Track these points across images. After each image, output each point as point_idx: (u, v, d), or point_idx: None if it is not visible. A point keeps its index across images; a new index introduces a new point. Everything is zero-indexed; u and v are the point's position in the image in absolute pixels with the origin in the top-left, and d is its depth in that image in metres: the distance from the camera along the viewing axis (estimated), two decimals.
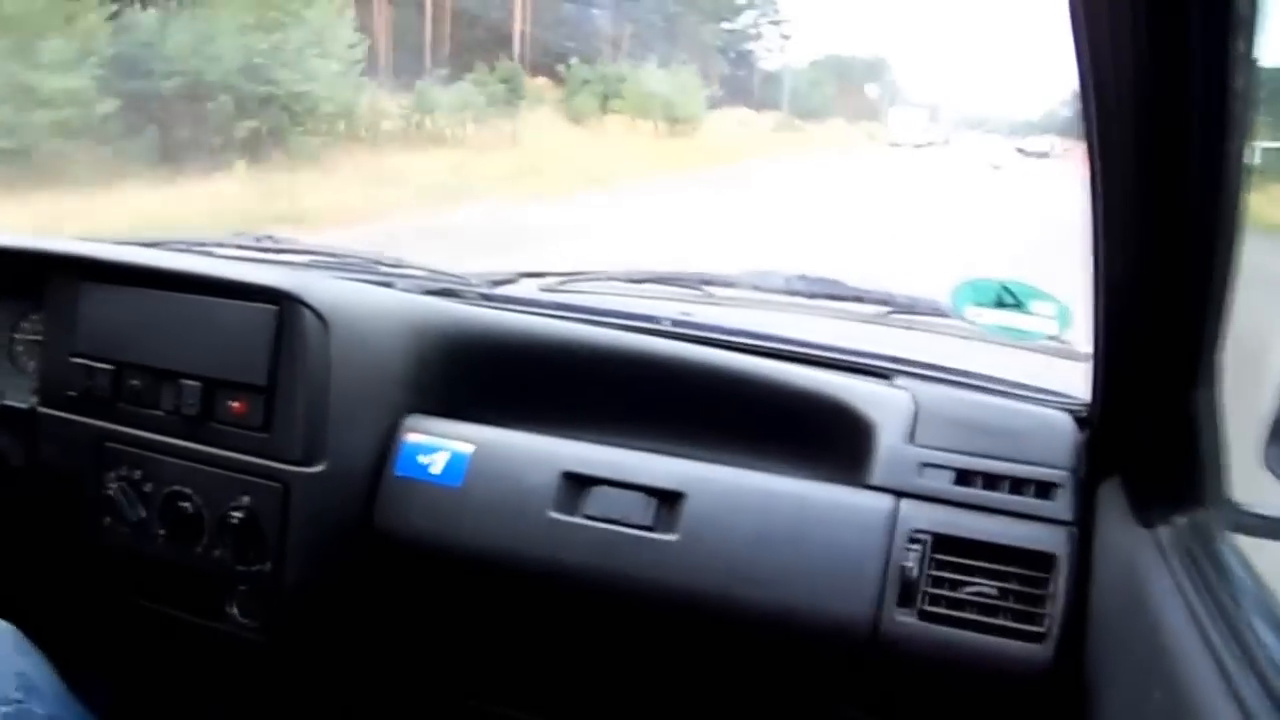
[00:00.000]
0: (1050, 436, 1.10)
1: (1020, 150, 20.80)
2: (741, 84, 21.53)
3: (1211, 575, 0.74)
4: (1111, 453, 1.00)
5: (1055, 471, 1.07)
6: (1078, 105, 0.72)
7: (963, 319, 1.13)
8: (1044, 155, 19.76)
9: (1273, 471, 0.73)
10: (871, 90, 25.34)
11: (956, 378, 1.23)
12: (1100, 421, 1.02)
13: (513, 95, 13.51)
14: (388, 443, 1.18)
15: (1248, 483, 0.79)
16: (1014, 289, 1.10)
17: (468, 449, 1.17)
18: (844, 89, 24.67)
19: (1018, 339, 1.14)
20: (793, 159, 15.73)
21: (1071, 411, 1.14)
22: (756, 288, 1.42)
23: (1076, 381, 1.10)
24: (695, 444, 1.19)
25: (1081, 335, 0.98)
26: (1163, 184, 0.71)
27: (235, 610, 1.19)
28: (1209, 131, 0.67)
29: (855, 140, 21.83)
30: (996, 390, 1.20)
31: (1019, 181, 14.81)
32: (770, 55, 23.68)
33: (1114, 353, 0.90)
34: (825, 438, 1.16)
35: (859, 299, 1.39)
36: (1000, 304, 1.11)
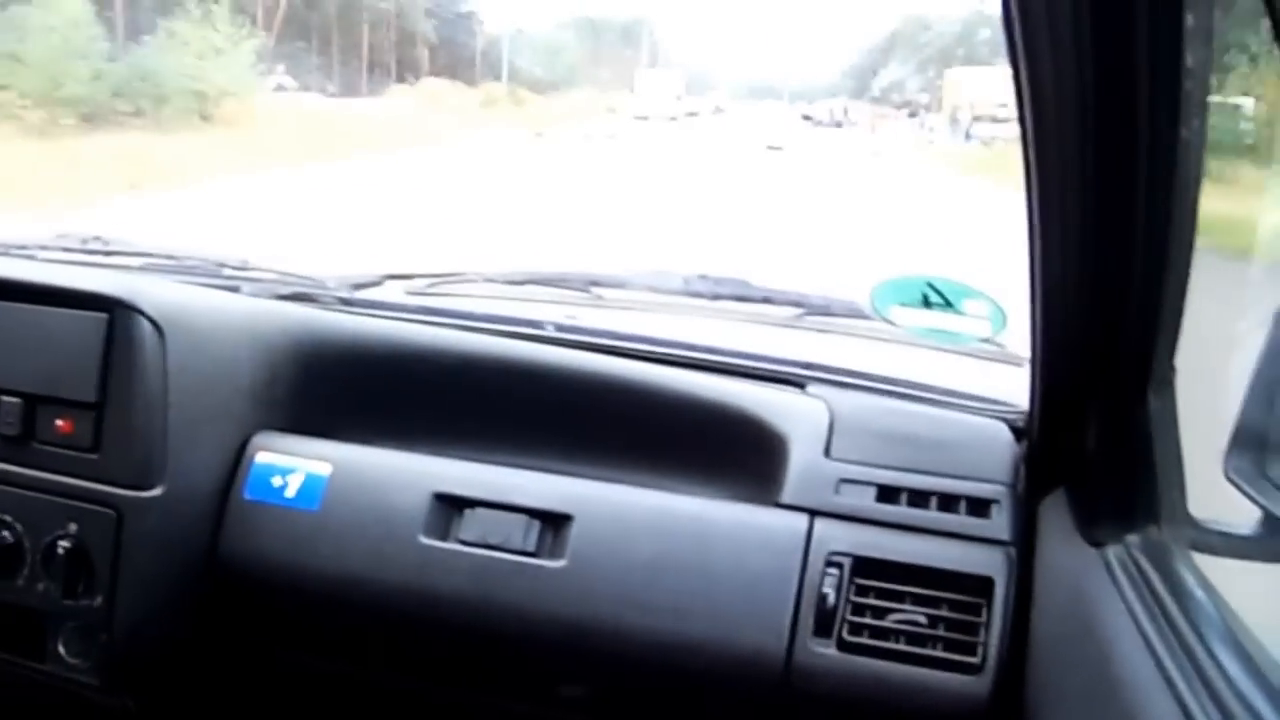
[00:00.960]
0: (984, 448, 1.11)
1: (808, 118, 18.74)
2: (459, 52, 19.72)
3: (1168, 599, 0.74)
4: (1053, 465, 1.01)
5: (990, 486, 1.08)
6: (1014, 91, 0.71)
7: (885, 321, 1.12)
8: (838, 125, 17.85)
9: (1235, 484, 0.75)
10: (631, 56, 22.69)
11: (878, 385, 1.23)
12: (1040, 431, 1.02)
13: None
14: (235, 463, 1.17)
15: (1207, 497, 0.81)
16: (942, 287, 1.09)
17: (325, 469, 1.16)
18: (596, 55, 22.63)
19: (947, 342, 1.14)
20: (452, 146, 12.68)
21: (1008, 421, 1.14)
22: (652, 289, 1.43)
23: (1014, 388, 1.11)
24: (584, 461, 1.19)
25: (1019, 338, 0.99)
26: (1108, 172, 0.71)
27: (62, 650, 1.16)
28: (1159, 112, 0.67)
29: (593, 113, 19.24)
30: (923, 398, 1.21)
31: (806, 164, 12.43)
32: (495, 20, 21.60)
33: (1055, 357, 0.90)
34: (731, 452, 1.16)
35: (768, 300, 1.40)
36: (927, 303, 1.09)
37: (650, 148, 13.76)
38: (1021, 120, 0.72)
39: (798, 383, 1.24)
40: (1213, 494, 0.79)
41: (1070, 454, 0.94)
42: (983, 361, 1.24)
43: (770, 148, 14.08)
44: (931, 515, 1.07)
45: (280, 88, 14.52)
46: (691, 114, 20.59)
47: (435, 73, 18.52)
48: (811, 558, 1.04)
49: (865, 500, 1.08)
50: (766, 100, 22.47)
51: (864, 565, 1.04)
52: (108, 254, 1.44)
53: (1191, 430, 0.81)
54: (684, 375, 1.23)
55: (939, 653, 1.00)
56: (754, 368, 1.26)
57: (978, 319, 1.09)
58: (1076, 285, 0.81)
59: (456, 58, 19.31)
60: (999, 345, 1.20)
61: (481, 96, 18.91)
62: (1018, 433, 1.13)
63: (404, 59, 18.61)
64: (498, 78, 20.35)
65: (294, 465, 1.17)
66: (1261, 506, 0.76)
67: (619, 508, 1.11)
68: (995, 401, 1.18)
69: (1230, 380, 0.79)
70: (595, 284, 1.43)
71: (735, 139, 15.69)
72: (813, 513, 1.08)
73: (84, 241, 1.45)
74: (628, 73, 21.38)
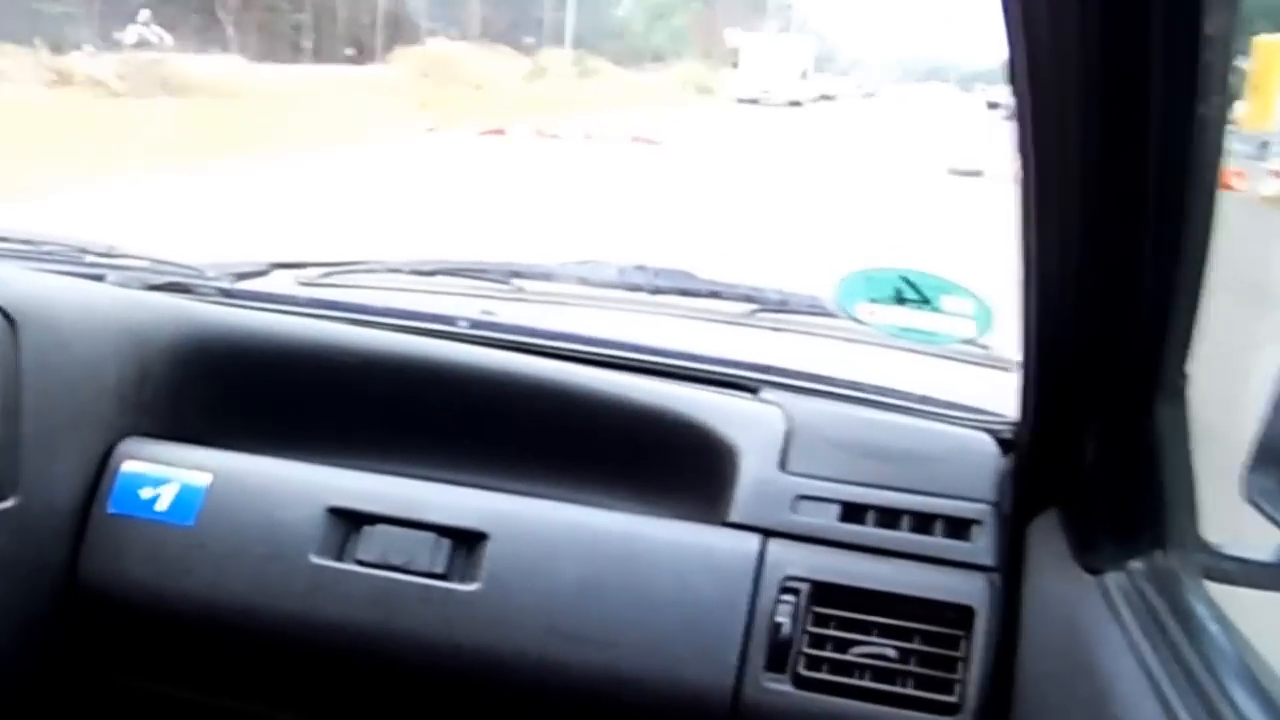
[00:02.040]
0: (965, 462, 1.11)
1: (995, 106, 13.05)
2: (525, 9, 16.95)
3: (1176, 632, 0.74)
4: (1045, 482, 1.00)
5: (972, 505, 1.08)
6: (1008, 58, 0.71)
7: (851, 319, 1.11)
8: None
9: (1256, 505, 0.73)
10: (751, 20, 18.69)
11: (842, 390, 1.23)
12: (1030, 444, 1.02)
13: None
14: (99, 473, 1.15)
15: (1222, 520, 0.81)
16: (918, 281, 1.08)
17: (203, 479, 1.15)
18: (709, 21, 19.02)
19: (923, 343, 1.13)
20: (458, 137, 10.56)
21: (993, 432, 1.14)
22: (583, 281, 1.44)
23: (1000, 396, 1.10)
24: (502, 473, 1.18)
25: (1007, 339, 0.99)
26: (1114, 150, 0.70)
27: None
28: (1175, 83, 0.66)
29: (676, 92, 15.81)
30: (895, 405, 1.21)
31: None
32: None
33: (1049, 361, 0.90)
34: (672, 464, 1.17)
35: (716, 295, 1.41)
36: (900, 299, 1.09)
37: (735, 161, 9.63)
38: (1015, 90, 0.72)
39: (750, 387, 1.23)
40: (1229, 516, 0.79)
41: (1064, 469, 0.93)
42: (965, 366, 1.25)
43: (958, 172, 8.49)
44: (903, 537, 1.07)
45: (142, 43, 10.93)
46: (826, 97, 15.99)
47: (482, 33, 15.11)
48: (764, 583, 1.03)
49: (826, 519, 1.08)
50: (930, 83, 17.26)
51: (824, 592, 1.03)
52: None
53: (1205, 444, 0.81)
54: (618, 378, 1.22)
55: (910, 690, 0.99)
56: (699, 370, 1.25)
57: (959, 318, 1.08)
58: (1075, 280, 0.80)
59: (512, 13, 15.92)
60: (984, 347, 1.20)
61: (530, 66, 15.48)
62: (1004, 445, 1.12)
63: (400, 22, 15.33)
64: (588, 45, 16.09)
65: (166, 475, 1.15)
66: None
67: (542, 525, 1.10)
68: (978, 410, 1.18)
69: (1250, 388, 0.79)
70: (517, 275, 1.43)
71: (896, 143, 11.01)
72: (766, 533, 1.07)
73: None
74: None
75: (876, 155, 10.34)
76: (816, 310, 1.34)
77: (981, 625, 1.01)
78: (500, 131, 11.06)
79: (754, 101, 15.48)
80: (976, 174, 8.05)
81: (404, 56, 15.19)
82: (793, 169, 9.21)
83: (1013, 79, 0.71)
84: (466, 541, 1.10)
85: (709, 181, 8.33)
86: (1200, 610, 0.77)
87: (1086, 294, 0.80)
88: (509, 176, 8.12)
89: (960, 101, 16.63)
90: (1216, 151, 0.70)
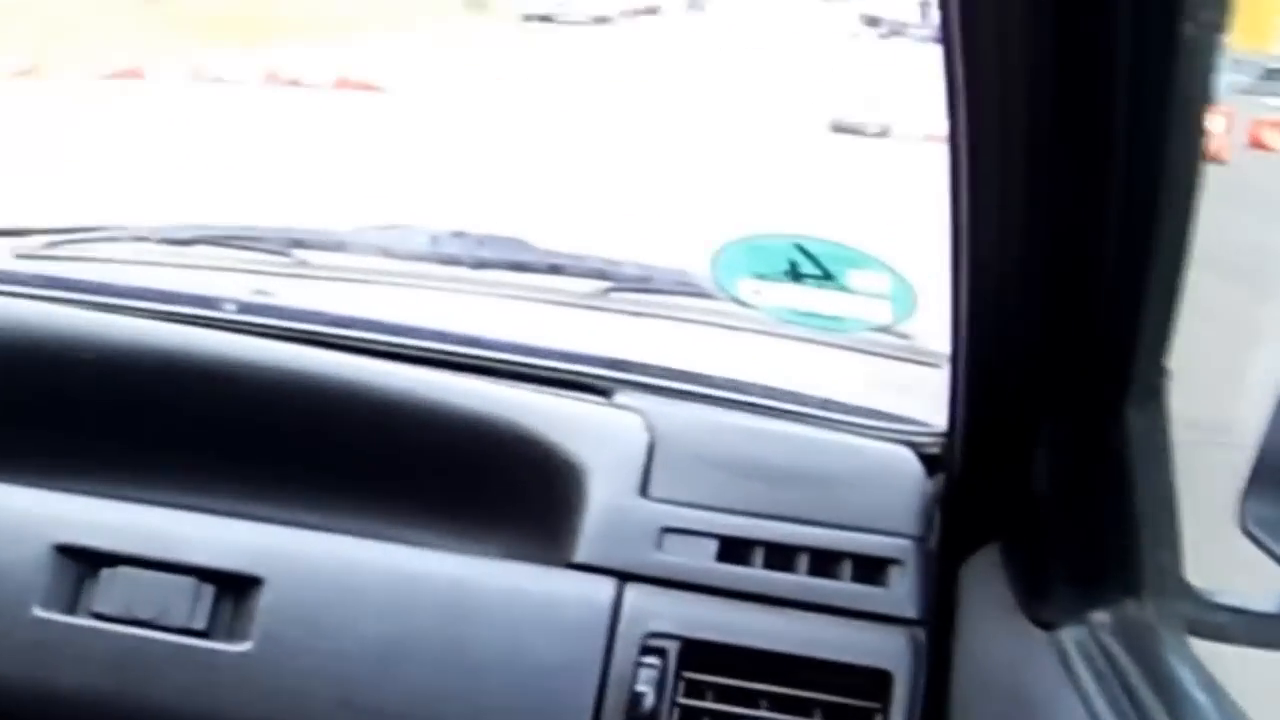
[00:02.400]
0: (881, 484, 1.10)
1: (874, 22, 12.78)
2: None
3: (1151, 702, 0.73)
4: (983, 510, 0.99)
5: (890, 540, 1.06)
6: None
7: (733, 300, 1.07)
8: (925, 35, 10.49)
9: (1254, 537, 0.73)
10: None
11: (720, 392, 1.20)
12: (965, 462, 1.01)
13: None
14: None
15: (1211, 557, 0.80)
16: (818, 252, 1.02)
17: None
18: None
19: (826, 331, 1.10)
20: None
21: (917, 445, 1.12)
22: (385, 252, 1.41)
23: (926, 400, 1.09)
24: (280, 500, 1.16)
25: (936, 327, 0.97)
26: (1070, 84, 0.70)
27: None
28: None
29: (436, 10, 13.48)
30: (789, 412, 1.18)
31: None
32: None
33: (988, 355, 0.89)
34: (503, 490, 1.16)
35: (557, 270, 1.38)
36: (795, 275, 1.04)
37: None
38: (941, 7, 0.71)
39: (601, 389, 1.21)
40: (1221, 553, 0.78)
41: (1007, 493, 0.92)
42: (880, 361, 1.23)
43: (847, 129, 7.46)
44: (800, 581, 1.05)
45: None
46: (649, 10, 14.65)
47: None
48: (620, 640, 1.02)
49: (700, 559, 1.06)
50: None
51: (698, 652, 1.02)
52: None
53: (1190, 460, 0.79)
54: (431, 377, 1.19)
55: None
56: (536, 367, 1.23)
57: (871, 298, 1.04)
58: (1021, 252, 0.79)
59: None
60: (903, 337, 1.19)
61: None
62: (931, 463, 1.10)
63: None
64: None
65: None
66: None
67: (333, 568, 1.09)
68: (897, 418, 1.16)
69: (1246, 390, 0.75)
70: (299, 245, 1.39)
71: (749, 81, 9.20)
72: (622, 576, 1.06)
73: None
74: None
75: (721, 96, 8.47)
76: (687, 290, 1.31)
77: (901, 694, 0.99)
78: (135, 73, 9.06)
79: (546, 19, 13.63)
80: (877, 133, 7.16)
81: None
82: (602, 119, 7.62)
83: (945, 18, 0.71)
84: (235, 588, 1.07)
85: (461, 145, 6.72)
86: (1183, 674, 0.76)
87: (1034, 270, 0.79)
88: (134, 143, 6.56)
89: (824, 14, 15.25)
90: (1204, 86, 0.69)
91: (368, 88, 8.78)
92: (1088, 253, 0.75)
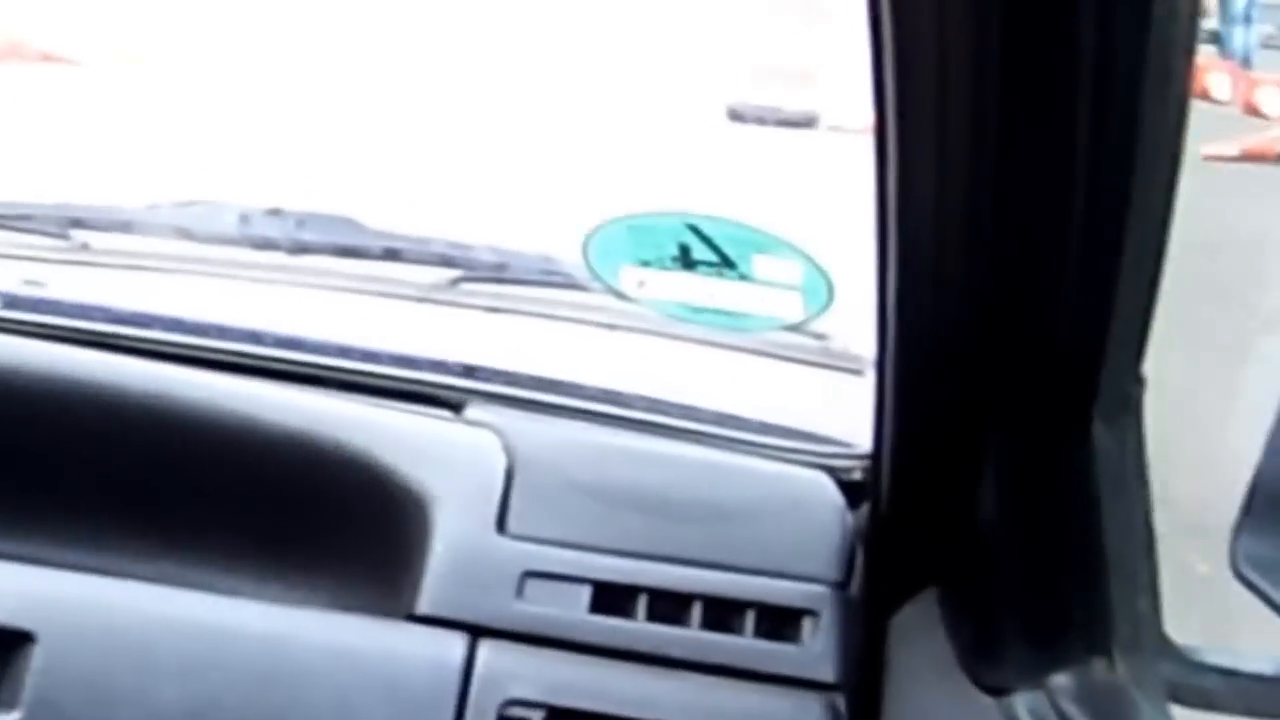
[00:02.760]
0: (793, 518, 1.08)
1: None
2: None
3: None
4: (918, 548, 0.98)
5: (803, 586, 1.04)
6: None
7: (613, 292, 1.08)
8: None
9: (1247, 581, 0.73)
10: None
11: (595, 406, 1.19)
12: (895, 489, 0.99)
13: None
14: None
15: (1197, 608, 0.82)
16: (716, 234, 1.01)
17: None
18: None
19: (725, 329, 1.10)
20: None
21: (837, 471, 1.11)
22: (184, 234, 1.40)
23: (848, 414, 1.08)
24: (59, 540, 1.14)
25: (860, 326, 0.97)
26: (1033, 35, 0.69)
27: None
28: None
29: None
30: (680, 430, 1.17)
31: None
32: None
33: (922, 359, 0.88)
34: (329, 525, 1.14)
35: (395, 256, 1.37)
36: (688, 262, 1.03)
37: None
38: None
39: (450, 402, 1.19)
40: (1210, 604, 0.79)
41: (948, 529, 0.91)
42: (792, 367, 1.23)
43: (751, 118, 6.11)
44: (693, 637, 1.03)
45: None
46: None
47: None
48: (473, 709, 1.01)
49: (570, 609, 1.05)
50: None
51: None
52: None
53: (1170, 490, 0.79)
54: (241, 387, 1.18)
55: None
56: (368, 374, 1.22)
57: (780, 289, 1.03)
58: (962, 230, 0.78)
59: None
60: (820, 338, 1.19)
61: None
62: (854, 492, 1.08)
63: None
64: None
65: None
66: None
67: (121, 621, 1.06)
68: (813, 437, 1.15)
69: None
70: (79, 224, 1.38)
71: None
72: (475, 630, 1.04)
73: None
74: None
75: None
76: (554, 280, 1.31)
77: None
78: None
79: None
80: (801, 123, 7.46)
81: None
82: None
83: None
84: (1, 646, 1.04)
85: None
86: None
87: (979, 252, 0.78)
88: None
89: None
90: (1186, 46, 0.69)
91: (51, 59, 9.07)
92: (1044, 231, 0.75)
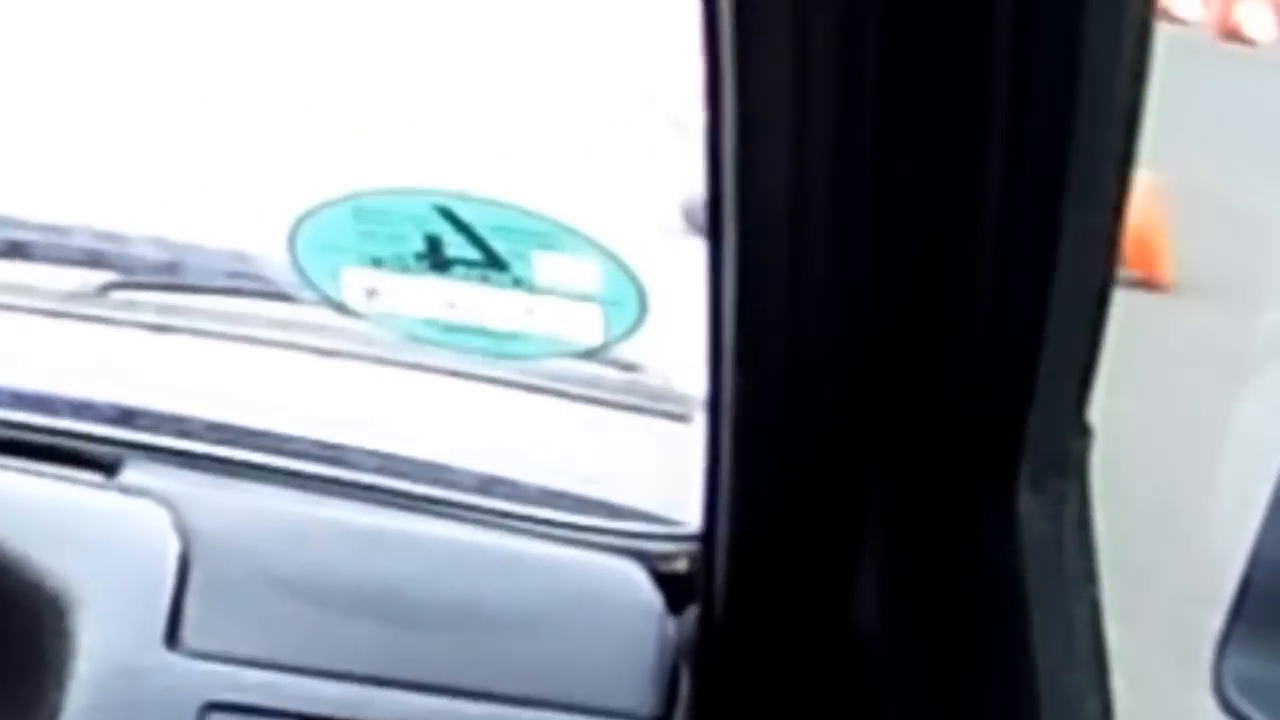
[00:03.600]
0: (588, 626, 1.07)
1: None
2: None
3: None
4: (765, 667, 0.96)
5: None
6: None
7: (330, 304, 1.02)
8: None
9: (1232, 709, 0.75)
10: None
11: (304, 466, 1.16)
12: (734, 586, 0.98)
13: None
14: None
15: None
16: (479, 221, 0.97)
17: None
18: None
19: (489, 356, 1.08)
20: None
21: (651, 558, 1.09)
22: None
23: (669, 476, 1.09)
24: None
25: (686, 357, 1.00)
26: None
27: None
28: None
29: None
30: (425, 500, 1.14)
31: None
32: None
33: (773, 405, 0.88)
34: None
35: (19, 252, 1.36)
36: (439, 262, 0.98)
37: None
38: None
39: (99, 460, 1.16)
40: None
41: (807, 640, 0.91)
42: (590, 410, 1.23)
43: None
44: None
45: None
46: None
47: None
48: None
49: None
50: None
51: None
52: None
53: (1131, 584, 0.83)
54: None
55: None
56: None
57: (572, 301, 0.99)
58: (830, 227, 0.79)
59: None
60: (629, 369, 1.21)
61: None
62: (676, 588, 1.07)
63: None
64: None
65: None
66: None
67: None
68: (618, 510, 1.14)
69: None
70: None
71: None
72: None
73: None
74: None
75: None
76: (248, 287, 1.29)
77: None
78: None
79: None
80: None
81: None
82: None
83: None
84: None
85: None
86: None
87: (854, 252, 0.79)
88: None
89: None
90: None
91: None
92: (945, 218, 0.75)
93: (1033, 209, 0.73)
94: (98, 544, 1.10)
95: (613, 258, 0.98)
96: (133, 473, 1.14)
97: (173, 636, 1.04)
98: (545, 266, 0.99)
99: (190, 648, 1.04)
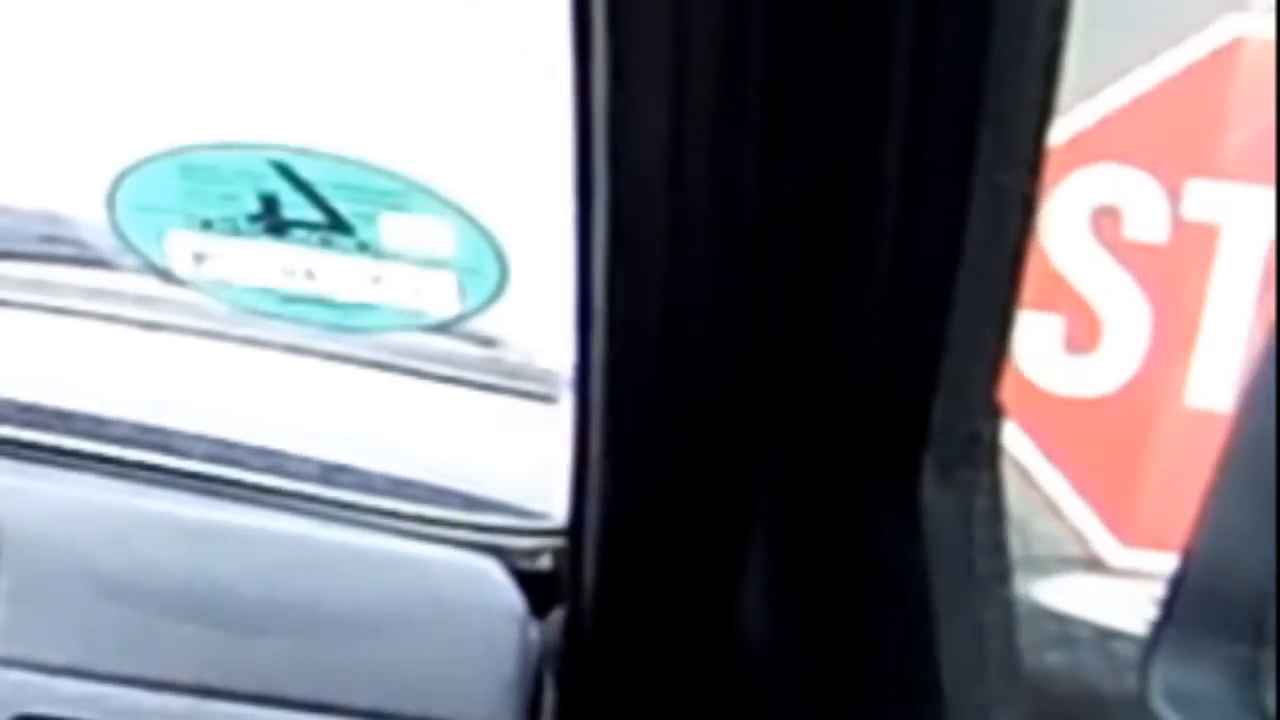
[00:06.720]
0: (442, 630, 1.03)
1: None
2: None
3: None
4: (638, 678, 0.92)
5: None
6: None
7: (154, 271, 0.96)
8: None
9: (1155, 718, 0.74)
10: None
11: (127, 453, 1.10)
12: (604, 586, 0.93)
13: None
14: None
15: None
16: (320, 178, 0.92)
17: None
18: None
19: (331, 329, 1.04)
20: None
21: (511, 556, 1.06)
22: None
23: (533, 466, 1.06)
24: None
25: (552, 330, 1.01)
26: None
27: None
28: None
29: None
30: (262, 490, 1.08)
31: None
32: None
33: (648, 381, 0.83)
34: None
35: None
36: (275, 225, 0.93)
37: None
38: None
39: None
40: None
41: (687, 647, 0.87)
42: (442, 390, 1.20)
43: None
44: None
45: None
46: None
47: None
48: None
49: None
50: None
51: None
52: None
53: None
54: None
55: None
56: None
57: (423, 267, 0.94)
58: (710, 178, 0.76)
59: None
60: (487, 344, 1.18)
61: None
62: (539, 588, 1.04)
63: None
64: None
65: None
66: None
67: None
68: (476, 502, 1.10)
69: None
70: None
71: None
72: None
73: None
74: None
75: None
76: (62, 252, 1.24)
77: None
78: None
79: None
80: None
81: None
82: None
83: None
84: None
85: None
86: None
87: (738, 206, 0.76)
88: None
89: None
90: None
91: None
92: (838, 167, 0.71)
93: (940, 166, 0.69)
94: None
95: (470, 220, 0.94)
96: None
97: None
98: (394, 229, 0.94)
99: (9, 655, 1.01)
